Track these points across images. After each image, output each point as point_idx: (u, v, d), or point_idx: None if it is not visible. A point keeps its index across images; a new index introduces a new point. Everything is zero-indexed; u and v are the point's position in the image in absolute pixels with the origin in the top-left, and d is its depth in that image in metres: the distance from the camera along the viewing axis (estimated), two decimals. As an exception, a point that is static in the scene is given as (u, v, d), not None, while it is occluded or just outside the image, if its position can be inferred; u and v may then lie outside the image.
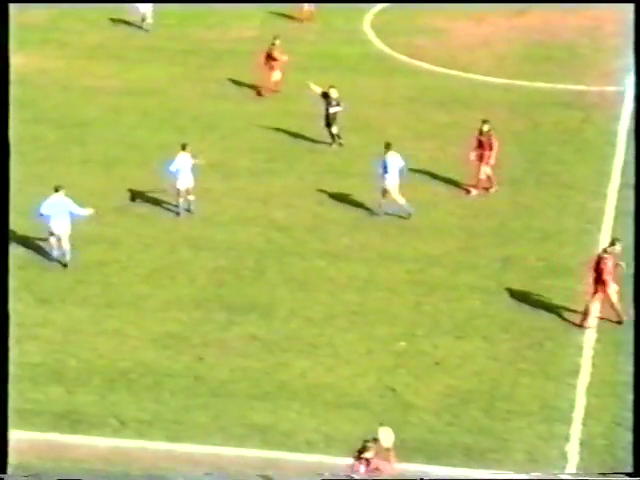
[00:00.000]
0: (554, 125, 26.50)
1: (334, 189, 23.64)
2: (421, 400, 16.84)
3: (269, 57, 28.60)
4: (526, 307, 19.19)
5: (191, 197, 22.52)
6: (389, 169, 22.24)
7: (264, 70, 28.61)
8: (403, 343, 18.32)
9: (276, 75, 28.63)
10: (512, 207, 22.78)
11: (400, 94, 28.95)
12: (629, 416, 16.06)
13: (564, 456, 15.49)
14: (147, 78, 29.82)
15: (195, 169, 22.57)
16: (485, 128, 23.00)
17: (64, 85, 29.46)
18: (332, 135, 25.77)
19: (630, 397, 16.40)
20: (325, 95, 25.79)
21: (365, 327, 18.82)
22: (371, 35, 33.49)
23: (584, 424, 16.08)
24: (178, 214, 22.47)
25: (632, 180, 23.22)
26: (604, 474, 14.29)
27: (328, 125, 25.73)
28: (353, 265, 20.79)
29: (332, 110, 25.61)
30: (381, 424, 15.44)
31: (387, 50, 31.98)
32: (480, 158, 23.04)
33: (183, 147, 22.51)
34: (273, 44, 28.67)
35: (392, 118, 27.34)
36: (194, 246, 21.43)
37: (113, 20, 34.12)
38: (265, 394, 17.05)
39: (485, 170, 23.13)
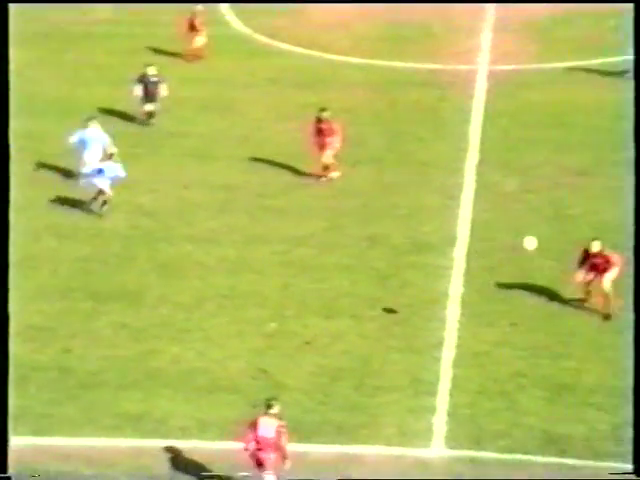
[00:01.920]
0: (412, 104, 27.00)
1: (199, 172, 23.56)
2: (292, 380, 17.03)
3: (192, 25, 29.40)
4: (392, 284, 19.58)
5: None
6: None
7: (188, 37, 29.37)
8: (273, 324, 18.48)
9: (199, 41, 29.42)
10: (375, 186, 23.15)
11: (261, 75, 28.97)
12: (492, 385, 16.72)
13: (431, 428, 15.93)
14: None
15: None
16: (324, 115, 22.95)
17: None
18: (147, 113, 25.67)
19: (494, 367, 17.12)
20: (142, 77, 25.66)
21: (235, 310, 18.88)
22: (230, 16, 33.35)
23: (450, 395, 16.56)
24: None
25: (487, 155, 24.17)
26: (610, 474, 14.68)
27: (146, 102, 25.63)
28: (221, 248, 20.80)
29: (151, 87, 25.58)
30: (254, 406, 15.63)
31: (247, 31, 31.93)
32: (322, 146, 22.96)
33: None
34: (194, 13, 29.42)
35: (254, 100, 27.37)
36: (58, 234, 21.04)
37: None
38: (136, 382, 16.94)
39: (328, 155, 23.00)
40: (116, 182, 21.82)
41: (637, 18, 20.86)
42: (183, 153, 24.47)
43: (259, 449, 14.37)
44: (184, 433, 15.91)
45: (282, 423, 14.41)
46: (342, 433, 15.84)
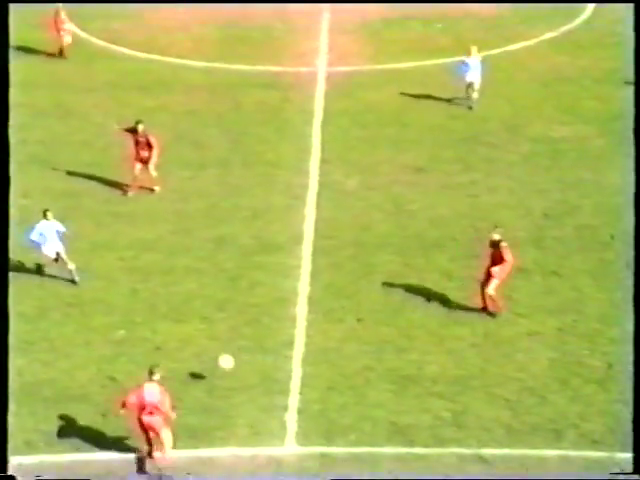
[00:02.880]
0: (255, 105, 27.26)
1: (40, 179, 23.17)
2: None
3: (56, 24, 29.63)
4: (241, 285, 19.77)
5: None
6: None
7: (56, 36, 29.49)
8: (122, 331, 18.38)
9: (67, 39, 29.60)
10: (221, 188, 23.29)
11: (101, 79, 28.70)
12: (342, 381, 17.14)
13: (284, 425, 16.21)
14: None
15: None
16: (140, 128, 22.66)
17: None
18: None
19: (343, 363, 17.53)
20: None
21: (81, 318, 18.70)
22: (66, 20, 32.82)
23: (301, 393, 16.87)
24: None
25: (329, 155, 24.66)
26: (612, 474, 15.01)
27: None
28: (68, 255, 20.51)
29: None
30: (103, 415, 15.57)
31: (84, 35, 31.52)
32: (140, 159, 22.65)
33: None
34: (57, 11, 29.50)
35: (95, 104, 27.09)
36: None
37: None
38: (-19, 398, 16.58)
39: (146, 169, 22.68)
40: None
41: (637, 18, 21.07)
42: (22, 160, 23.97)
43: (148, 413, 15.06)
44: (29, 448, 15.65)
45: (164, 388, 15.18)
46: (196, 437, 15.94)
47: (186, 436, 15.86)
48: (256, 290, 19.61)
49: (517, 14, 33.07)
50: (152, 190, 22.87)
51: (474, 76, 26.62)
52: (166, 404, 15.20)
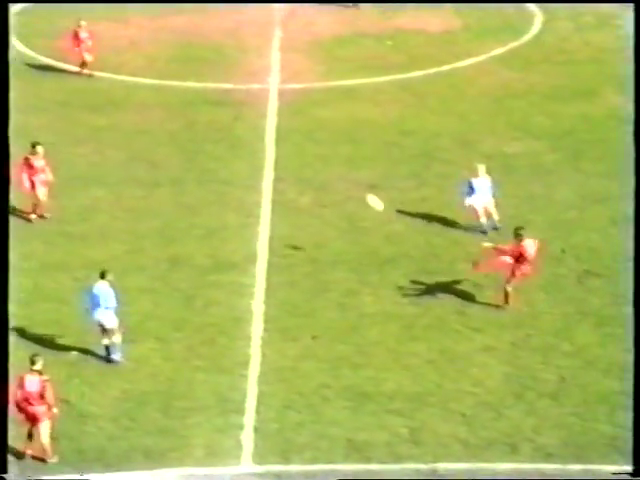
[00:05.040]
0: (208, 123, 27.20)
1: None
2: (97, 408, 16.84)
3: (76, 37, 29.52)
4: (196, 304, 19.67)
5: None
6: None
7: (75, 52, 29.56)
8: (75, 352, 18.19)
9: (88, 56, 29.45)
10: (175, 206, 23.18)
11: (50, 98, 28.48)
12: (298, 399, 17.10)
13: (240, 445, 16.11)
14: None
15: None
16: (38, 150, 22.25)
17: None
18: None
19: (299, 381, 17.50)
20: None
21: (33, 340, 18.47)
22: (11, 37, 32.53)
23: (257, 412, 16.80)
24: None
25: (283, 172, 24.67)
26: (613, 474, 14.97)
27: None
28: (16, 277, 20.25)
29: None
30: (54, 438, 15.40)
31: (30, 53, 31.26)
32: (33, 183, 22.18)
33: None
34: (79, 25, 29.52)
35: (45, 123, 26.84)
36: None
37: None
38: None
39: (44, 192, 22.32)
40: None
41: (637, 18, 21.10)
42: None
43: (29, 404, 15.46)
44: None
45: (46, 377, 15.72)
46: (151, 458, 15.78)
47: (141, 457, 15.71)
48: (211, 309, 19.53)
49: (466, 30, 33.38)
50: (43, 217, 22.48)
51: (483, 199, 21.83)
52: (49, 395, 15.60)
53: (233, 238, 21.90)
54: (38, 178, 22.29)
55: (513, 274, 19.14)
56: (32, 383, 15.62)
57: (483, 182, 21.76)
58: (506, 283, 19.18)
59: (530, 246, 19.08)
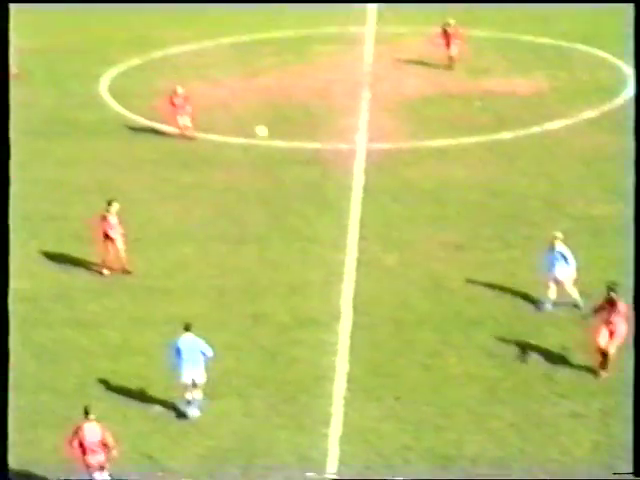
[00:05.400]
0: (294, 182, 27.41)
1: (79, 255, 23.32)
2: (179, 464, 16.83)
3: (172, 102, 29.85)
4: (278, 361, 19.63)
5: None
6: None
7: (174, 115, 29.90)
8: (158, 407, 18.27)
9: (185, 120, 29.79)
10: (259, 263, 23.30)
11: (142, 157, 29.07)
12: (378, 460, 16.85)
13: (320, 505, 15.97)
14: None
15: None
16: (114, 207, 22.45)
17: None
18: None
19: (380, 442, 17.25)
20: None
21: (119, 394, 18.62)
22: (108, 98, 33.47)
23: (338, 472, 16.60)
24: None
25: (368, 231, 24.66)
26: (614, 474, 14.70)
27: None
28: (103, 331, 20.56)
29: None
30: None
31: (126, 113, 32.03)
32: (111, 240, 22.43)
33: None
34: (175, 92, 29.75)
35: (136, 180, 27.39)
36: None
37: None
38: (18, 476, 16.47)
39: (117, 249, 22.49)
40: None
41: (637, 18, 21.09)
42: (62, 236, 24.23)
43: (91, 452, 15.69)
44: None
45: (100, 424, 15.95)
46: (230, 515, 15.71)
47: (221, 515, 15.63)
48: (293, 367, 19.46)
49: (556, 92, 33.18)
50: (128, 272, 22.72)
51: (564, 272, 20.91)
52: (110, 440, 15.86)
53: (317, 295, 21.88)
54: (113, 234, 22.62)
55: (611, 336, 18.68)
56: (92, 433, 15.79)
57: (563, 251, 20.98)
58: (604, 346, 18.67)
59: (623, 307, 18.66)
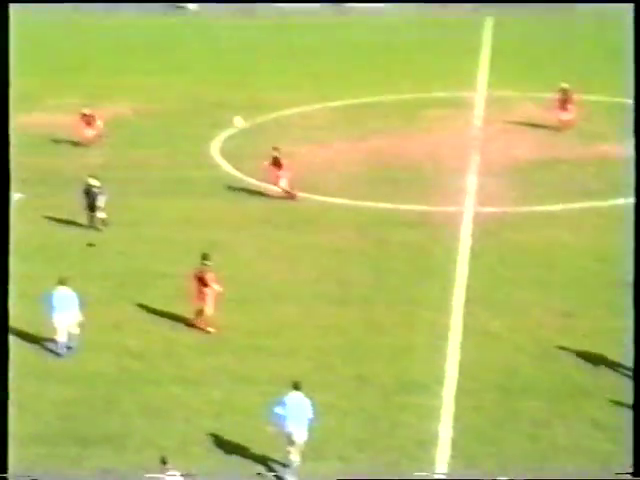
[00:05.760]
0: (400, 244, 27.32)
1: (186, 313, 23.58)
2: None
3: (275, 163, 30.31)
4: (381, 425, 19.38)
5: (74, 330, 21.84)
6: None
7: (272, 174, 30.28)
8: (261, 468, 18.18)
9: (283, 182, 30.12)
10: (363, 325, 23.19)
11: (251, 216, 29.42)
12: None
13: None
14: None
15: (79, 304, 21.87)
16: (208, 262, 22.55)
17: None
18: (97, 219, 27.91)
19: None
20: (87, 189, 27.88)
21: (222, 453, 18.63)
22: (220, 159, 34.09)
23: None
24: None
25: (474, 294, 24.35)
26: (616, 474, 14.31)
27: (92, 210, 27.83)
28: (208, 389, 20.67)
29: (98, 198, 27.88)
30: None
31: (237, 174, 32.54)
32: (203, 295, 22.53)
33: (61, 281, 21.75)
34: (276, 149, 30.43)
35: (244, 240, 27.69)
36: (41, 377, 20.89)
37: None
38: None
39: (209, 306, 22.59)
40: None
41: (637, 18, 20.89)
42: (171, 294, 24.57)
43: None
44: None
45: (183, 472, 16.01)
46: None
47: None
48: (396, 431, 19.18)
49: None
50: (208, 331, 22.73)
51: None
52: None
53: (421, 359, 21.61)
54: (208, 291, 22.75)
55: None
56: None
57: None
58: None
59: None
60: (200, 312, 22.85)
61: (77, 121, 35.22)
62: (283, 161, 30.42)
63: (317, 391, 20.36)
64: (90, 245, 27.14)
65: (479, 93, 40.34)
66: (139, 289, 24.82)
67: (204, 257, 22.97)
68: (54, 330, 21.81)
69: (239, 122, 21.39)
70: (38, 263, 25.54)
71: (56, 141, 36.20)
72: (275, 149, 30.54)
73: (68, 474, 18.02)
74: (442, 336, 22.46)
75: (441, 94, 40.97)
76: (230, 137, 36.38)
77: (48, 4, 51.68)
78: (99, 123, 35.49)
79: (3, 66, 11.53)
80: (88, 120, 35.24)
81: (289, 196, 30.26)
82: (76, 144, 35.54)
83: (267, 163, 30.50)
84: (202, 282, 22.68)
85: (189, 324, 22.98)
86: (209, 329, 22.81)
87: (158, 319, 23.44)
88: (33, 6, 54.85)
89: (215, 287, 22.65)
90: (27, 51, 49.34)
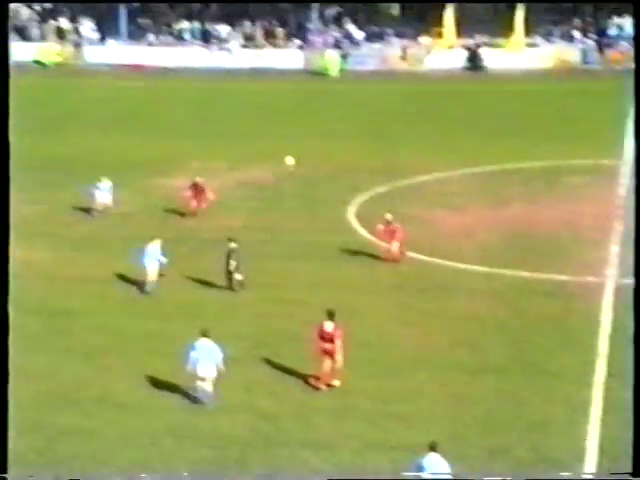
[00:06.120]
0: (538, 314, 26.63)
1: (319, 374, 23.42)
2: None
3: (388, 230, 30.14)
4: (516, 499, 18.75)
5: (208, 387, 22.06)
6: None
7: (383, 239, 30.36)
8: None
9: (394, 245, 29.99)
10: (498, 395, 22.58)
11: (384, 282, 29.19)
12: None
13: None
14: (132, 268, 29.44)
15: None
16: (328, 325, 22.47)
17: (49, 276, 29.52)
18: (235, 280, 28.02)
19: None
20: (228, 252, 27.97)
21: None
22: (355, 224, 34.09)
23: None
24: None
25: (616, 369, 23.45)
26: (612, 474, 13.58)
27: (230, 272, 27.89)
28: (338, 454, 20.38)
29: (235, 260, 27.89)
30: None
31: (371, 238, 32.44)
32: (327, 352, 22.51)
33: (204, 333, 22.23)
34: (388, 222, 30.23)
35: (377, 306, 27.45)
36: (176, 436, 21.00)
37: (100, 211, 34.78)
38: None
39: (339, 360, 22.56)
40: None
41: (637, 18, 20.20)
42: (304, 357, 24.45)
43: None
44: None
45: None
46: None
47: None
48: (531, 508, 18.49)
49: None
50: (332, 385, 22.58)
51: None
52: None
53: (559, 434, 20.84)
54: (329, 348, 22.55)
55: None
56: None
57: None
58: None
59: None
60: (322, 370, 22.69)
61: (186, 191, 34.25)
62: (396, 227, 30.10)
63: (449, 461, 19.87)
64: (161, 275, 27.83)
65: (624, 161, 39.35)
66: (273, 350, 24.82)
67: (330, 314, 22.88)
68: (193, 379, 22.01)
69: (290, 161, 21.85)
70: (175, 323, 25.85)
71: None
72: (388, 221, 30.30)
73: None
74: (582, 411, 21.62)
75: (584, 161, 40.17)
76: (366, 201, 36.40)
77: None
78: (209, 195, 34.16)
79: (3, 66, 10.74)
80: (197, 191, 34.08)
81: (394, 259, 29.92)
82: (217, 204, 35.52)
83: (381, 227, 30.30)
84: (327, 339, 22.56)
85: (316, 378, 22.80)
86: (335, 382, 22.60)
87: (290, 381, 23.34)
88: (194, 77, 56.37)
89: (338, 343, 22.46)
90: (183, 114, 50.90)
